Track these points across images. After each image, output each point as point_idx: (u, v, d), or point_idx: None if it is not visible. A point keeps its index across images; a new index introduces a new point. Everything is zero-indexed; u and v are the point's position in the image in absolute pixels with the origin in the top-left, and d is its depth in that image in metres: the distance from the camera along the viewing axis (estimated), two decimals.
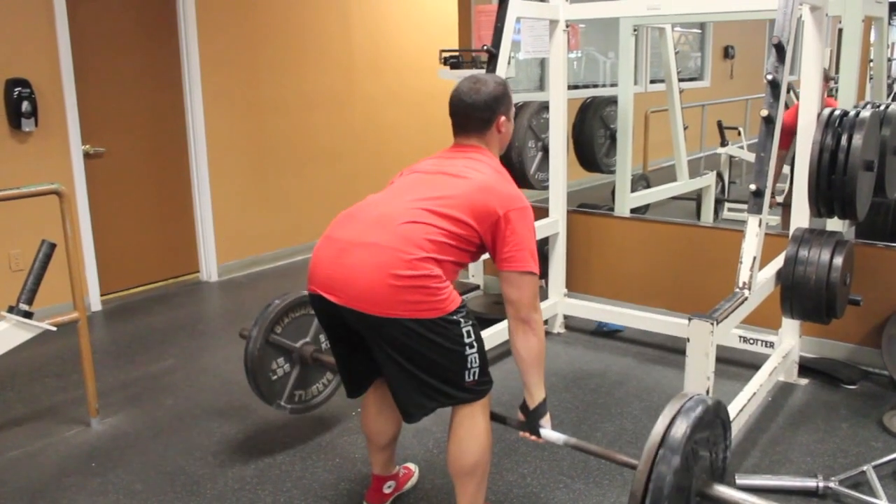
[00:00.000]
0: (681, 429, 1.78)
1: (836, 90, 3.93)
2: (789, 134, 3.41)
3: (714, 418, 1.89)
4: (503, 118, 2.38)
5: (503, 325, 3.88)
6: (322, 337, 3.09)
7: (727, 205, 6.50)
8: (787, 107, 3.44)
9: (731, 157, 6.88)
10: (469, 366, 2.22)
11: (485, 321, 3.67)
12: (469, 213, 2.18)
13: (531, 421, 2.34)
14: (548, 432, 2.35)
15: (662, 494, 1.70)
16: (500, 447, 3.05)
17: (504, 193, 2.25)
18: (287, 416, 3.34)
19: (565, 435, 2.34)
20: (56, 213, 3.16)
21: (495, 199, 2.21)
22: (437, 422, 3.00)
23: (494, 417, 2.42)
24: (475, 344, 2.23)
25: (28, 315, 2.96)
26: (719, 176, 6.41)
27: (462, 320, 2.19)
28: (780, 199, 4.96)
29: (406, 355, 2.16)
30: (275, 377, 3.03)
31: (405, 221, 2.14)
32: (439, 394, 2.23)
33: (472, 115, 2.34)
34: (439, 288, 2.12)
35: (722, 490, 1.86)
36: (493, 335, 3.68)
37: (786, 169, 4.91)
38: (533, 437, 2.37)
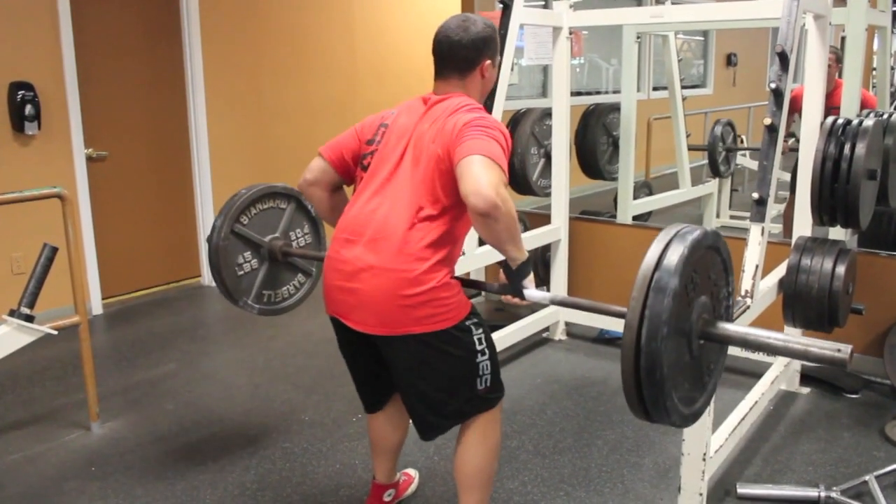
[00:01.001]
0: (676, 253, 1.56)
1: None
2: (796, 108, 3.41)
3: (711, 248, 1.68)
4: (488, 62, 2.27)
5: (505, 331, 3.88)
6: (293, 234, 2.89)
7: (729, 212, 6.51)
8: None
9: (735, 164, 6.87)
10: (481, 373, 2.22)
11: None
12: (444, 150, 2.06)
13: (514, 281, 2.15)
14: (532, 292, 2.17)
15: (659, 327, 1.50)
16: (502, 454, 3.04)
17: (472, 113, 2.11)
18: (287, 422, 3.34)
19: (550, 293, 2.19)
20: (58, 217, 3.16)
21: (462, 117, 2.08)
22: None
23: (471, 284, 2.27)
24: (487, 351, 2.23)
25: (29, 319, 2.96)
26: (730, 125, 6.33)
27: (473, 328, 2.19)
28: (790, 143, 4.90)
29: (420, 373, 2.16)
30: (241, 273, 2.78)
31: (403, 232, 2.09)
32: (453, 411, 2.24)
33: (456, 54, 2.23)
34: (448, 297, 2.12)
35: (726, 327, 1.67)
36: (495, 341, 3.66)
37: (785, 175, 4.91)
38: (516, 300, 2.19)
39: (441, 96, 2.25)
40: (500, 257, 2.16)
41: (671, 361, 1.55)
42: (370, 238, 2.14)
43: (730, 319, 1.80)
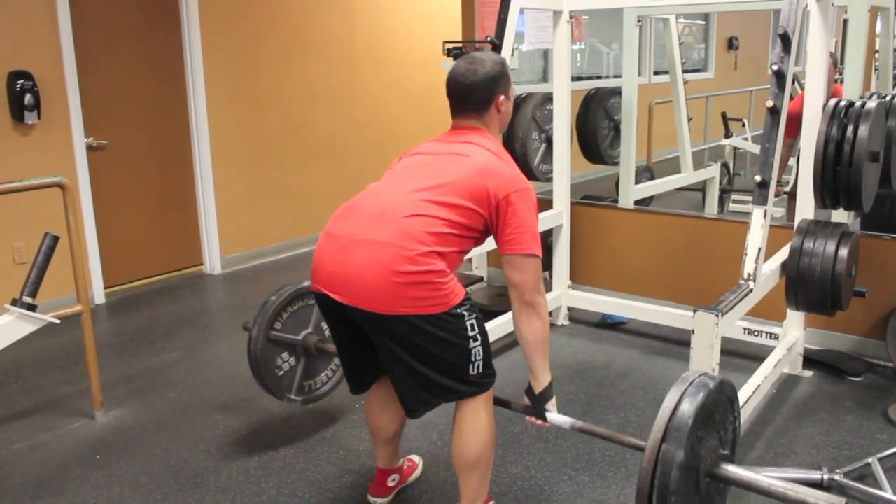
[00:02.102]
0: (690, 405, 1.76)
1: (843, 80, 3.92)
2: (796, 122, 3.41)
3: (722, 397, 1.87)
4: (502, 97, 2.33)
5: (507, 317, 3.87)
6: (324, 325, 3.05)
7: (733, 195, 6.49)
8: (791, 97, 3.43)
9: (735, 148, 6.86)
10: (473, 359, 2.21)
11: (488, 313, 3.66)
12: (469, 198, 2.16)
13: (537, 405, 2.34)
14: (554, 416, 2.34)
15: (671, 472, 1.69)
16: (504, 439, 3.05)
17: (504, 175, 2.22)
18: (290, 409, 3.35)
19: (571, 418, 2.33)
20: (59, 206, 3.16)
21: (496, 181, 2.18)
22: (441, 414, 2.99)
23: (499, 402, 2.41)
24: (479, 337, 2.22)
25: (32, 308, 2.96)
26: (725, 167, 6.39)
27: (466, 313, 2.18)
28: (786, 188, 4.95)
29: (410, 351, 2.14)
30: (281, 372, 3.02)
31: (406, 215, 2.12)
32: (443, 389, 2.23)
33: (469, 97, 2.30)
34: (443, 283, 2.11)
35: (731, 469, 1.84)
36: (497, 327, 3.67)
37: (792, 160, 4.91)
38: (539, 422, 2.36)
39: (463, 135, 2.33)
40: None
41: (680, 483, 1.73)
42: (371, 216, 2.16)
43: (734, 457, 1.98)
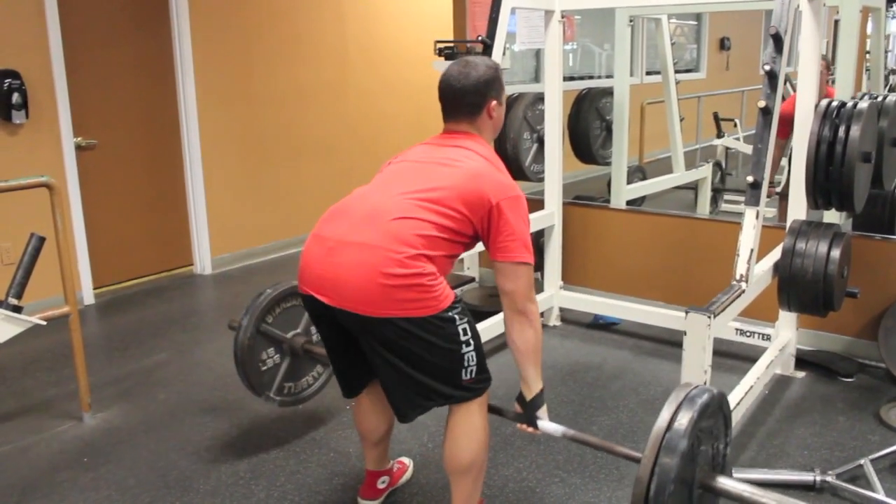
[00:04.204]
0: (686, 417, 1.76)
1: (834, 81, 3.92)
2: (788, 123, 3.40)
3: (716, 410, 1.88)
4: (494, 103, 2.31)
5: (499, 317, 3.85)
6: (313, 329, 3.04)
7: (725, 195, 6.49)
8: (783, 98, 3.43)
9: (727, 148, 6.86)
10: (466, 364, 2.19)
11: (480, 314, 3.65)
12: (461, 203, 2.14)
13: (528, 412, 2.31)
14: (545, 423, 2.32)
15: (667, 484, 1.69)
16: (496, 441, 3.03)
17: (496, 182, 2.20)
18: (280, 411, 3.32)
19: (563, 426, 2.32)
20: (48, 206, 3.12)
21: (487, 188, 2.16)
22: (432, 416, 2.97)
23: (491, 410, 2.38)
24: (472, 342, 2.19)
25: (17, 309, 2.93)
26: (717, 165, 6.39)
27: (457, 317, 2.15)
28: (778, 189, 4.95)
29: (401, 356, 2.12)
30: (264, 367, 2.98)
31: (394, 218, 2.09)
32: (436, 394, 2.20)
33: (461, 101, 2.28)
34: (432, 286, 2.08)
35: (724, 482, 1.85)
36: (489, 328, 3.65)
37: (784, 160, 4.90)
38: (530, 429, 2.34)
39: (454, 135, 2.32)
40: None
41: (674, 496, 1.72)
42: (359, 218, 2.14)
43: (726, 469, 1.99)
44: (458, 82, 2.26)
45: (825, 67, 4.44)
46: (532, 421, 2.32)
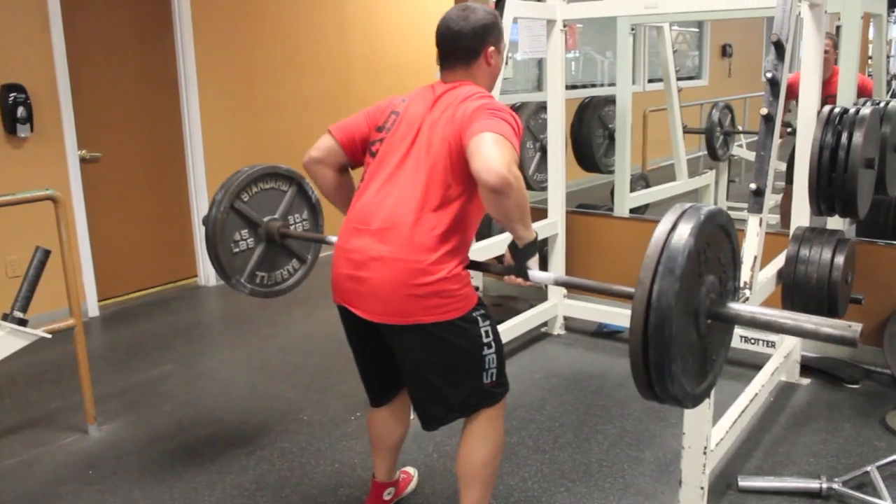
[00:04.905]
0: (685, 231, 1.51)
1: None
2: (794, 94, 3.40)
3: (716, 228, 1.64)
4: (492, 48, 2.23)
5: (504, 326, 3.86)
6: (291, 218, 2.90)
7: (728, 202, 6.49)
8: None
9: (730, 155, 6.85)
10: (487, 366, 2.22)
11: None
12: (455, 148, 2.07)
13: (519, 261, 2.15)
14: (536, 273, 2.18)
15: (668, 311, 1.46)
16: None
17: (481, 103, 2.09)
18: (286, 422, 3.32)
19: (554, 273, 2.18)
20: (53, 219, 3.14)
21: (469, 108, 2.07)
22: None
23: (476, 266, 2.25)
24: (493, 344, 2.22)
25: (22, 322, 2.93)
26: (728, 109, 6.34)
27: (480, 319, 2.19)
28: (789, 129, 4.85)
29: (428, 362, 2.16)
30: (237, 250, 2.76)
31: (411, 223, 2.08)
32: (459, 405, 2.24)
33: (458, 44, 2.21)
34: (456, 289, 2.12)
35: (736, 307, 1.65)
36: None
37: (781, 166, 4.88)
38: (519, 280, 2.19)
39: (450, 84, 2.23)
40: (500, 251, 2.15)
41: (679, 329, 1.50)
42: (379, 227, 2.13)
43: (736, 293, 1.80)
44: (456, 25, 2.20)
45: (832, 47, 4.43)
46: (523, 271, 2.17)
